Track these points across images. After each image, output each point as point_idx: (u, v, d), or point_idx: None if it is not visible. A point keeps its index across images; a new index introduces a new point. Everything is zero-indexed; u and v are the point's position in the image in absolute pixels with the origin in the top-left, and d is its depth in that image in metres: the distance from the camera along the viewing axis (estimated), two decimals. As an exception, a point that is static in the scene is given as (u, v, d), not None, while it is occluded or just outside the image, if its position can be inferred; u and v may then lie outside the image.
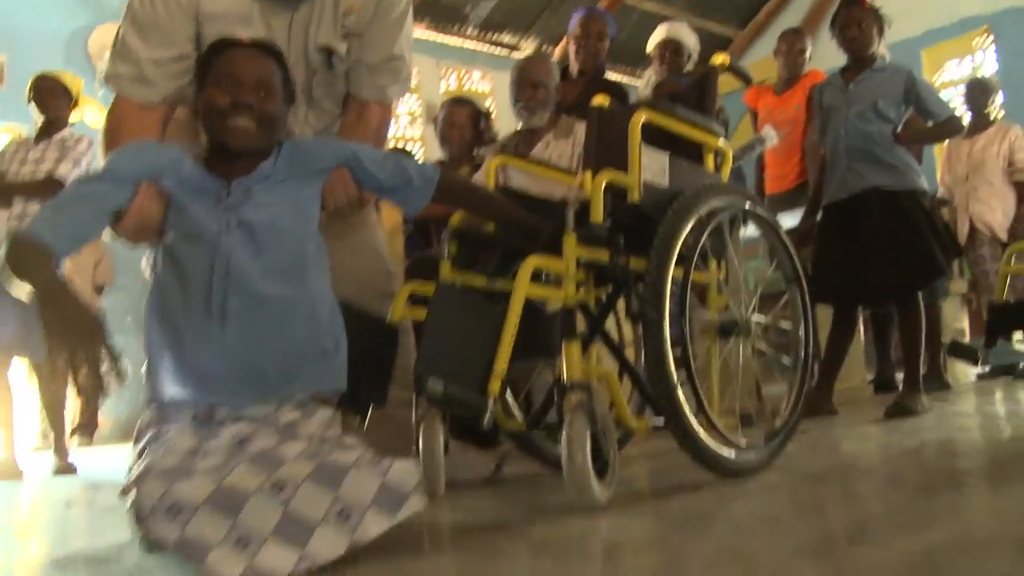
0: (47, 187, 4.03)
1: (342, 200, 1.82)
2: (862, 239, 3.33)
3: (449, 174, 1.98)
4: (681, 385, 1.88)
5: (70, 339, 1.50)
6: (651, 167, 2.00)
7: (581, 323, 1.95)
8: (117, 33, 2.02)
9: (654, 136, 2.06)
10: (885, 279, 3.31)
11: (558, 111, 3.30)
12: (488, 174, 2.42)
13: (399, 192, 1.87)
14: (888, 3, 8.79)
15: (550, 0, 8.75)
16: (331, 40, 2.04)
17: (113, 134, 1.99)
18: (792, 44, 4.70)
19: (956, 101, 8.73)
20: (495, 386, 1.68)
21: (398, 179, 1.85)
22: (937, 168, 6.62)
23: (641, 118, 1.99)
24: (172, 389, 1.63)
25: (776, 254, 2.28)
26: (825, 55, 9.49)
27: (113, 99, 2.04)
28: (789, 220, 4.45)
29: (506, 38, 8.90)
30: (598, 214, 1.87)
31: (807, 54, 4.73)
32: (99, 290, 6.02)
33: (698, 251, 1.98)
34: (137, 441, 1.61)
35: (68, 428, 4.71)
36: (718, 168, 2.24)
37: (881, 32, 3.55)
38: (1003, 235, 4.96)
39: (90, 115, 4.56)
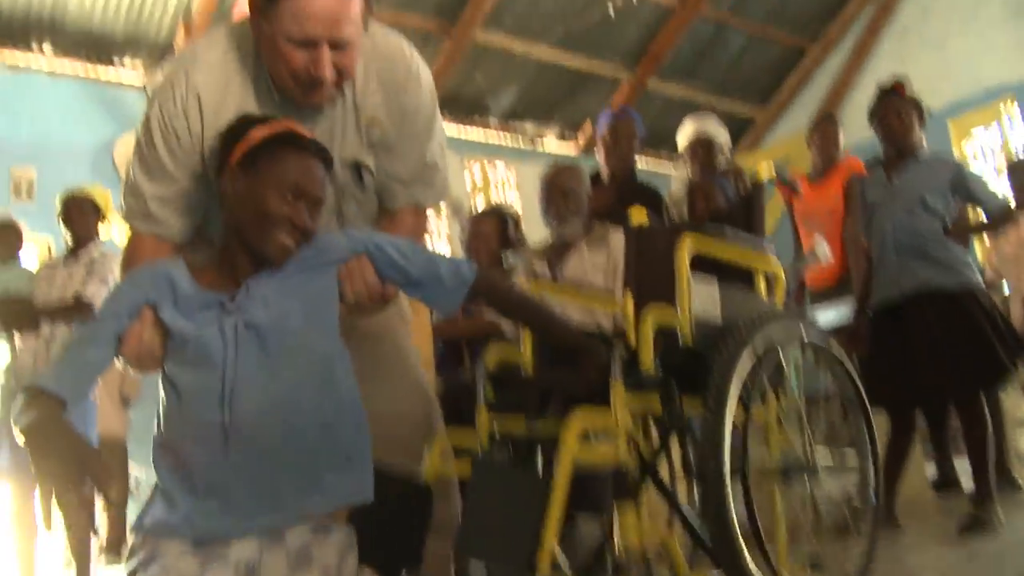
0: (75, 310, 3.98)
1: (361, 290, 1.65)
2: (917, 340, 3.16)
3: (488, 275, 1.81)
4: (745, 540, 1.70)
5: (58, 470, 1.41)
6: (700, 299, 1.86)
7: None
8: (129, 163, 1.87)
9: (700, 259, 1.93)
10: (944, 380, 3.12)
11: (590, 219, 3.18)
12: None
13: (427, 289, 1.70)
14: (913, 74, 8.82)
15: (570, 88, 8.75)
16: (359, 153, 1.87)
17: (128, 267, 1.86)
18: (825, 132, 4.58)
19: (987, 168, 8.73)
20: (544, 565, 1.51)
21: (426, 274, 1.68)
22: (976, 248, 6.45)
23: (688, 247, 1.85)
24: (173, 513, 1.49)
25: (838, 380, 2.10)
26: (852, 126, 9.48)
27: (128, 230, 1.90)
28: (832, 315, 4.30)
29: (528, 128, 8.89)
30: (648, 360, 1.72)
31: (841, 142, 4.60)
32: (125, 402, 5.96)
33: (756, 388, 1.82)
34: (130, 559, 1.48)
35: (96, 550, 4.59)
36: (771, 292, 2.09)
37: (922, 121, 3.43)
38: None
39: (118, 231, 4.53)
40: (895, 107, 3.33)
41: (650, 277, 1.97)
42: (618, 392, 1.70)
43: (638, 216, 2.07)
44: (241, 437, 1.49)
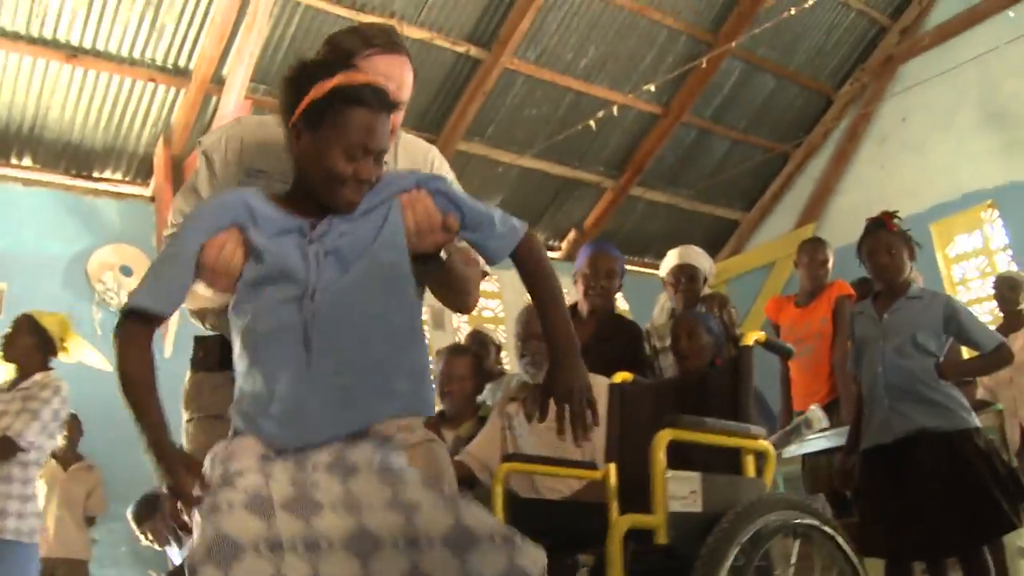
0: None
1: (422, 218, 1.73)
2: (914, 487, 3.02)
3: (535, 237, 1.80)
4: None
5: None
6: (679, 494, 1.72)
7: None
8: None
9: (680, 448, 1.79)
10: (945, 532, 2.97)
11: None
12: (496, 481, 2.12)
13: (480, 231, 1.75)
14: (894, 179, 9.03)
15: (555, 194, 8.75)
16: None
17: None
18: (813, 255, 4.52)
19: (971, 274, 8.72)
20: None
21: (481, 217, 1.74)
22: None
23: (665, 440, 1.72)
24: (253, 430, 1.57)
25: (833, 558, 1.95)
26: (834, 231, 9.47)
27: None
28: (824, 442, 4.17)
29: (512, 234, 8.84)
30: (616, 572, 1.57)
31: (829, 264, 4.54)
32: (91, 521, 5.79)
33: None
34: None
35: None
36: (760, 472, 1.95)
37: (912, 256, 3.35)
38: None
39: (85, 354, 4.35)
40: (884, 243, 3.25)
41: (632, 444, 1.84)
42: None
43: (621, 376, 1.96)
44: (322, 345, 1.57)
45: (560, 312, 1.77)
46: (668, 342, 3.76)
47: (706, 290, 4.36)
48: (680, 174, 9.29)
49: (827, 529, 1.91)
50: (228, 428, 1.75)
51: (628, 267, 9.71)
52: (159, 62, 6.45)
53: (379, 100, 1.68)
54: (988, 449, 3.07)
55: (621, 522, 1.62)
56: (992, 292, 5.21)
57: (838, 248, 9.27)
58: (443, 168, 2.12)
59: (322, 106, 1.65)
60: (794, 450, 4.42)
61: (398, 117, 1.85)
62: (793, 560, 2.02)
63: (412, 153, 2.09)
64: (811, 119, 9.54)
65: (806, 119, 9.52)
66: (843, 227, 9.56)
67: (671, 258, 4.36)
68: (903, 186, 8.94)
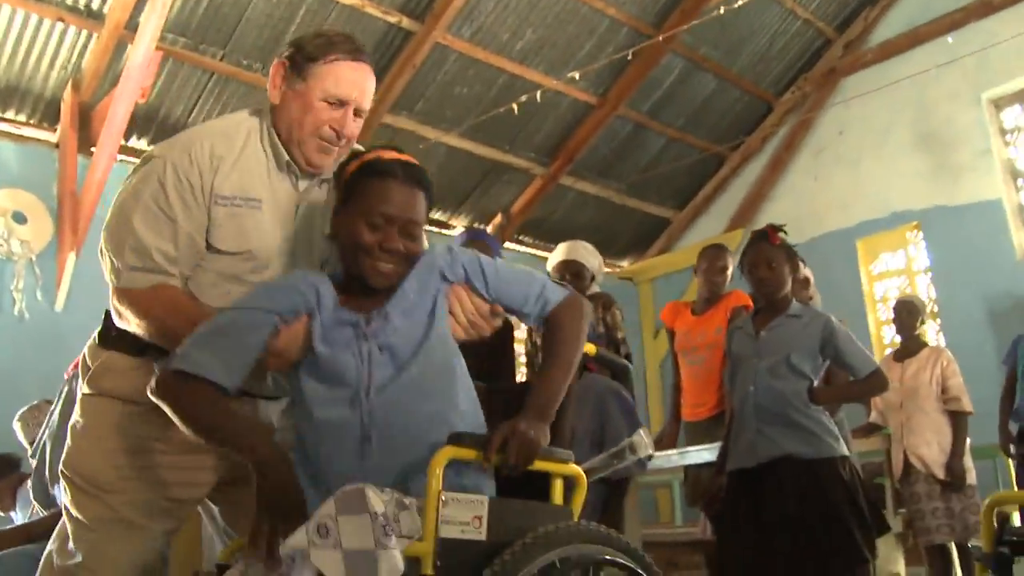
0: None
1: (471, 314, 1.82)
2: (772, 514, 2.92)
3: (568, 310, 1.83)
4: None
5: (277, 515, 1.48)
6: (459, 519, 1.55)
7: None
8: (120, 222, 1.92)
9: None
10: (800, 561, 2.87)
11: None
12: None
13: (513, 311, 1.86)
14: (826, 191, 8.99)
15: (483, 177, 8.55)
16: None
17: (160, 314, 1.87)
18: (712, 262, 4.38)
19: (891, 293, 8.73)
20: None
21: (514, 298, 1.83)
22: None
23: (444, 458, 1.55)
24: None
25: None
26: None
27: (140, 292, 1.90)
28: (707, 455, 4.06)
29: (437, 215, 8.64)
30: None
31: (728, 272, 4.40)
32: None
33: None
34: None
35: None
36: (568, 500, 1.79)
37: (795, 270, 3.23)
38: (939, 472, 4.58)
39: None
40: (766, 256, 3.11)
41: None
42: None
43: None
44: (380, 440, 1.63)
45: (560, 376, 1.76)
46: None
47: (594, 288, 4.21)
48: (613, 166, 9.15)
49: (633, 566, 1.75)
50: (127, 410, 1.89)
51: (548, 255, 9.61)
52: (69, 1, 6.11)
53: (400, 170, 1.77)
54: (851, 479, 2.97)
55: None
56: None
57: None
58: None
59: (350, 183, 1.78)
60: (677, 460, 4.33)
61: (359, 124, 2.00)
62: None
63: None
64: (750, 123, 9.47)
65: (744, 123, 9.44)
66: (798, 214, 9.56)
67: (558, 253, 4.21)
68: (834, 199, 8.92)
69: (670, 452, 4.40)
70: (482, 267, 1.84)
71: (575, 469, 1.79)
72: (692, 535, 4.38)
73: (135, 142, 6.84)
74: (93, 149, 6.45)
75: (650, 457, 2.02)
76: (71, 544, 1.89)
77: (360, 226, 1.74)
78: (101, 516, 1.88)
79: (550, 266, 4.24)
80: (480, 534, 1.56)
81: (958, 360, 7.55)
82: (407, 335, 1.72)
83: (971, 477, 4.65)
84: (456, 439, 1.58)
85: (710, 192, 9.95)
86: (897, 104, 8.35)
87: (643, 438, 2.01)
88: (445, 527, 1.51)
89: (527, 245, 9.48)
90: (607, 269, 10.29)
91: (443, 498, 1.52)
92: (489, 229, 8.99)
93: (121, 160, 6.40)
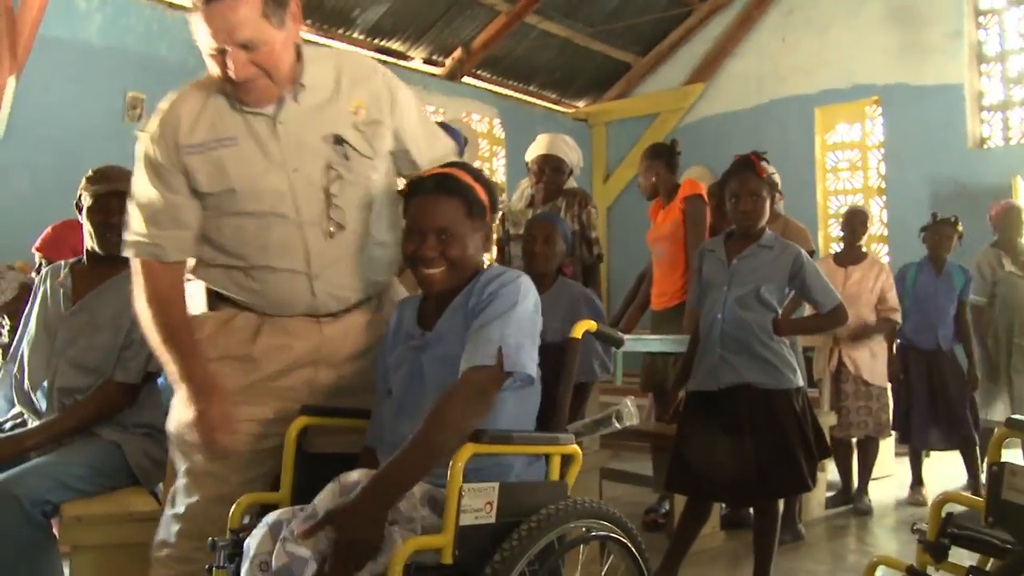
0: None
1: None
2: (726, 437, 3.06)
3: (457, 395, 1.76)
4: None
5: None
6: (473, 507, 1.63)
7: None
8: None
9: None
10: (748, 483, 3.06)
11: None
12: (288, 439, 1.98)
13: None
14: (791, 54, 8.89)
15: (446, 9, 8.20)
16: (341, 129, 2.02)
17: (142, 295, 2.02)
18: (642, 163, 4.45)
19: (842, 164, 8.85)
20: None
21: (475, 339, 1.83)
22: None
23: (467, 455, 1.61)
24: None
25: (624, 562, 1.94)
26: (723, 95, 9.32)
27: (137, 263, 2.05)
28: (664, 346, 4.22)
29: (395, 45, 8.32)
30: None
31: (655, 173, 4.46)
32: None
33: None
34: None
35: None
36: (564, 473, 1.88)
37: (774, 201, 3.26)
38: (868, 376, 4.83)
39: None
40: (751, 187, 3.11)
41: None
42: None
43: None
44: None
45: (414, 460, 1.68)
46: (522, 229, 3.64)
47: (571, 183, 4.20)
48: (579, 8, 8.85)
49: (621, 537, 1.87)
50: None
51: (509, 93, 9.42)
52: None
53: (429, 183, 1.92)
54: (803, 411, 3.12)
55: (402, 552, 1.51)
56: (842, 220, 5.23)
57: (721, 114, 9.29)
58: (399, 91, 2.13)
59: (404, 208, 1.99)
60: (638, 346, 4.48)
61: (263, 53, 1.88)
62: (579, 565, 2.01)
63: (359, 73, 2.09)
64: (722, -25, 9.18)
65: (717, -26, 9.15)
66: (731, 93, 9.51)
67: (538, 146, 4.15)
68: (798, 63, 8.84)
69: (628, 336, 4.55)
70: (484, 306, 1.85)
71: (573, 449, 1.87)
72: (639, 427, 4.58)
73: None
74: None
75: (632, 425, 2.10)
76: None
77: (405, 240, 1.93)
78: None
79: (529, 158, 4.19)
80: (490, 518, 1.65)
81: (898, 237, 7.86)
82: (446, 353, 1.85)
83: (886, 381, 4.96)
84: (476, 435, 1.64)
85: (675, 41, 9.75)
86: (875, -28, 8.20)
87: (629, 407, 2.07)
88: (464, 516, 1.59)
89: (485, 80, 9.25)
90: (562, 109, 10.19)
91: (464, 488, 1.59)
92: (448, 63, 8.72)
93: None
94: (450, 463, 1.61)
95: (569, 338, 1.95)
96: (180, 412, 1.95)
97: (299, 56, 2.00)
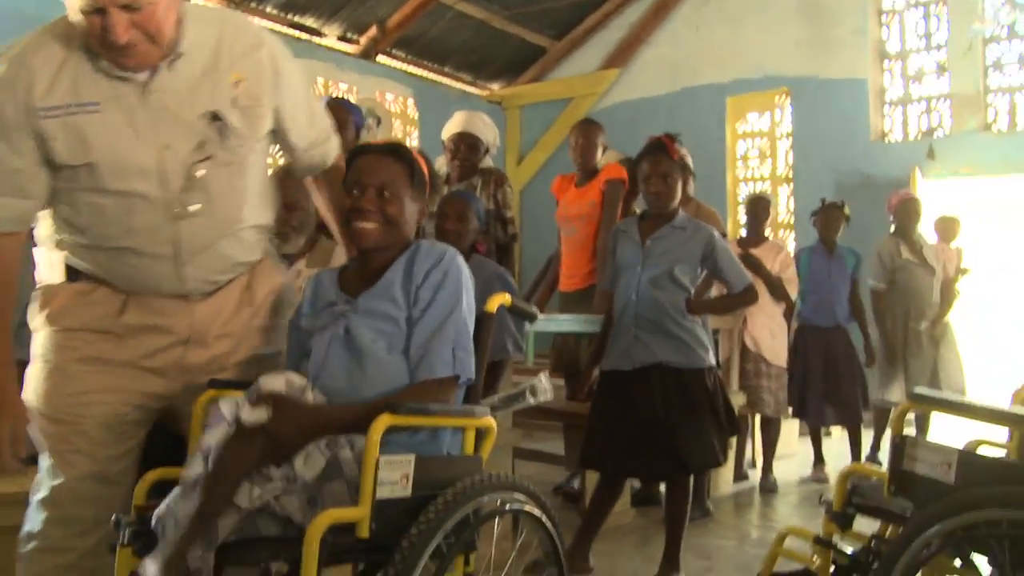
0: None
1: None
2: (639, 415, 3.11)
3: (412, 397, 1.81)
4: None
5: None
6: (390, 480, 1.60)
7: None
8: None
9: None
10: (660, 459, 3.10)
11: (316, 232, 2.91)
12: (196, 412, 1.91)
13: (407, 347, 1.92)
14: (705, 44, 9.03)
15: (362, -14, 8.08)
16: (217, 106, 1.85)
17: None
18: (585, 137, 4.36)
19: (752, 152, 9.04)
20: None
21: (415, 342, 1.88)
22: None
23: (382, 427, 1.58)
24: None
25: (539, 539, 1.93)
26: (636, 82, 9.39)
27: None
28: (575, 326, 4.23)
29: (309, 21, 8.15)
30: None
31: (599, 146, 4.42)
32: None
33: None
34: None
35: None
36: (478, 447, 1.87)
37: (687, 183, 3.30)
38: (768, 355, 4.96)
39: None
40: (662, 169, 3.15)
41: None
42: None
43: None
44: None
45: (360, 414, 1.70)
46: (434, 208, 3.60)
47: (487, 161, 4.17)
48: (497, -9, 8.83)
49: (535, 511, 1.87)
50: None
51: (424, 74, 9.33)
52: None
53: (379, 146, 1.99)
54: (714, 388, 3.18)
55: (317, 524, 1.48)
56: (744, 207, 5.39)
57: (635, 100, 9.38)
58: (284, 65, 1.98)
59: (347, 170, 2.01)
60: (550, 326, 4.49)
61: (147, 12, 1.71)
62: (495, 530, 1.99)
63: (243, 42, 1.92)
64: (638, -36, 9.26)
65: (633, -37, 9.22)
66: (645, 79, 9.61)
67: (454, 123, 4.11)
68: (712, 53, 8.98)
69: (540, 317, 4.55)
70: (431, 297, 1.88)
71: (489, 422, 1.86)
72: (551, 404, 4.60)
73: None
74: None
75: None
76: None
77: (346, 196, 1.95)
78: None
79: (445, 135, 4.14)
80: (406, 491, 1.62)
81: (804, 224, 8.06)
82: (368, 330, 1.88)
83: (784, 361, 5.08)
84: (392, 408, 1.61)
85: (591, 26, 9.80)
86: (785, -31, 8.38)
87: (543, 382, 2.07)
88: (381, 488, 1.56)
89: (400, 60, 9.15)
90: (477, 91, 10.16)
91: (381, 461, 1.56)
92: (362, 41, 8.60)
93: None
94: (367, 436, 1.58)
95: (484, 312, 1.94)
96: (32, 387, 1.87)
97: (179, 18, 1.82)
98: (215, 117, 1.85)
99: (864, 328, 5.42)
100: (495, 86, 10.33)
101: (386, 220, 1.91)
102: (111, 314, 1.89)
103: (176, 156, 1.81)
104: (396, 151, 1.97)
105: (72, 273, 1.91)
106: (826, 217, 5.35)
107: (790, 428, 5.62)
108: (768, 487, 4.94)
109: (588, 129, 4.39)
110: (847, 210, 5.36)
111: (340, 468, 1.65)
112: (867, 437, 5.46)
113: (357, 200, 1.91)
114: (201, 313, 1.95)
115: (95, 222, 1.83)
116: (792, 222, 8.61)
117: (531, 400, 2.06)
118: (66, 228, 1.87)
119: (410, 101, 9.24)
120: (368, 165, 1.94)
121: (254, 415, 1.66)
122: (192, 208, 1.84)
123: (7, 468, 1.78)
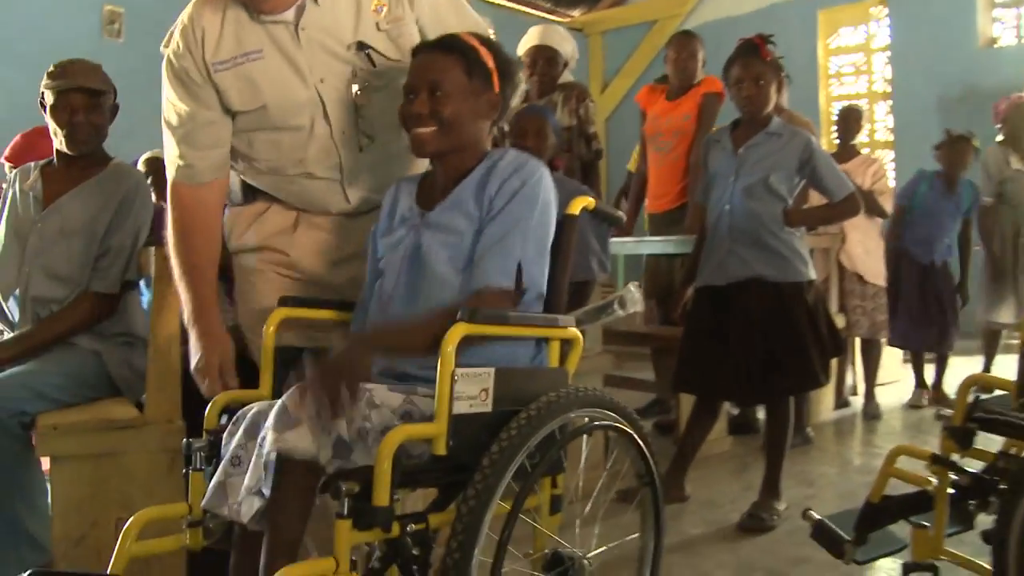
0: None
1: None
2: (736, 332, 2.95)
3: (482, 300, 1.63)
4: None
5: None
6: (467, 394, 1.49)
7: None
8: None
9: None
10: (757, 382, 2.94)
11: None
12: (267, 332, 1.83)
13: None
14: None
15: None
16: (363, 34, 1.92)
17: (173, 224, 1.98)
18: (680, 50, 4.16)
19: (846, 69, 8.59)
20: None
21: (485, 246, 1.71)
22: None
23: (458, 336, 1.46)
24: None
25: (631, 458, 1.81)
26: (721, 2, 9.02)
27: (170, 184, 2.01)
28: (668, 247, 4.07)
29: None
30: (383, 496, 1.36)
31: (699, 58, 4.20)
32: None
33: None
34: None
35: None
36: (564, 359, 1.74)
37: (780, 88, 3.07)
38: (863, 272, 4.70)
39: None
40: (754, 72, 2.93)
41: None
42: (342, 532, 1.35)
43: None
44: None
45: (419, 332, 1.59)
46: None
47: (567, 76, 3.99)
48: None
49: (626, 428, 1.74)
50: None
51: (503, 2, 9.12)
52: None
53: (433, 44, 1.79)
54: (815, 304, 2.99)
55: (389, 441, 1.38)
56: (836, 118, 5.06)
57: (721, 20, 8.99)
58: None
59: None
60: (640, 248, 4.34)
61: None
62: (584, 457, 1.88)
63: None
64: None
65: None
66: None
67: (530, 37, 3.94)
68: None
69: (627, 240, 4.40)
70: (502, 205, 1.70)
71: (573, 333, 1.73)
72: (641, 328, 4.47)
73: None
74: None
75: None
76: None
77: (402, 102, 1.77)
78: None
79: (521, 50, 3.98)
80: (486, 406, 1.51)
81: (904, 142, 7.66)
82: (432, 250, 1.74)
83: (882, 280, 4.80)
84: (470, 315, 1.48)
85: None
86: None
87: (633, 292, 1.93)
88: (458, 403, 1.45)
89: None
90: (557, 18, 9.87)
91: (457, 374, 1.45)
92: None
93: None
94: (441, 348, 1.46)
95: (566, 214, 1.80)
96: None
97: None
98: (361, 46, 1.92)
99: (965, 267, 5.00)
100: (575, 12, 10.04)
101: (441, 123, 1.72)
102: (286, 231, 2.04)
103: (332, 88, 1.91)
104: (446, 44, 1.78)
105: (247, 193, 2.08)
106: (951, 150, 4.85)
107: (893, 354, 5.35)
108: (871, 413, 4.72)
109: (686, 41, 4.20)
110: (976, 142, 4.86)
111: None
112: (975, 364, 5.14)
113: (409, 104, 1.75)
114: (365, 229, 1.98)
115: (271, 156, 1.97)
116: (891, 140, 8.17)
117: (619, 311, 1.93)
118: (243, 159, 2.01)
119: (490, 31, 9.02)
120: (418, 65, 1.77)
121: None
122: (353, 136, 1.95)
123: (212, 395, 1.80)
